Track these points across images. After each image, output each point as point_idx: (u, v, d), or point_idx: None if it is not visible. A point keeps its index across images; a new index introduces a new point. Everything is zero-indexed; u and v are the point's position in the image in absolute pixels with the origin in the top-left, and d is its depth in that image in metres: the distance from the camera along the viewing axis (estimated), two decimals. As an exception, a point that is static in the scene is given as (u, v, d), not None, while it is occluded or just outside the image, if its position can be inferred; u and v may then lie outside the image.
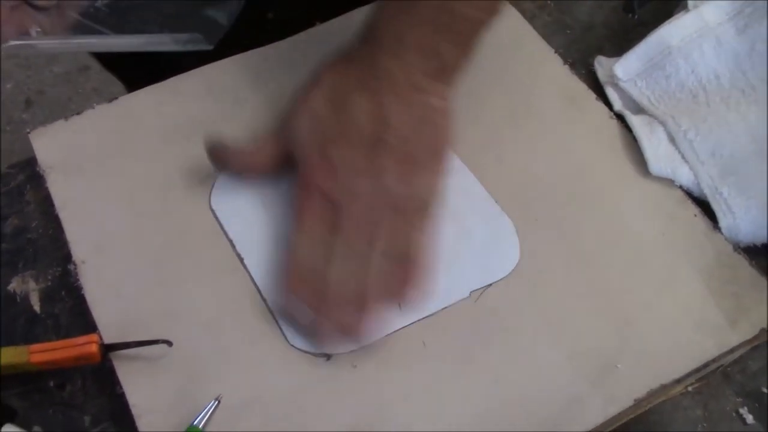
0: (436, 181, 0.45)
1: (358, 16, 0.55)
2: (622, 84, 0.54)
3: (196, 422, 0.40)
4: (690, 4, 0.55)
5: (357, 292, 0.42)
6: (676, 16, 0.55)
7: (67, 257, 0.47)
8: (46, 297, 0.47)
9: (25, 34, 0.42)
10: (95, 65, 1.85)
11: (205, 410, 0.40)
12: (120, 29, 0.43)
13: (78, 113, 0.53)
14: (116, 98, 0.54)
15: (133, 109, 0.53)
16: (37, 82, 1.88)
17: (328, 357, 0.42)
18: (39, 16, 0.42)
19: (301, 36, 0.57)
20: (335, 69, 0.46)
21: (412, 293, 0.42)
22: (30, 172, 0.52)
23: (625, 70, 0.54)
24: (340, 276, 0.42)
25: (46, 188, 0.50)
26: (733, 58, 0.54)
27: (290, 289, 0.43)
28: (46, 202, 0.50)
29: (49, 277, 0.48)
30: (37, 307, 0.47)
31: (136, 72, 0.54)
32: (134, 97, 0.53)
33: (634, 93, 0.53)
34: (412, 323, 0.43)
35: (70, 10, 0.43)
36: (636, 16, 0.58)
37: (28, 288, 0.47)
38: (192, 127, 0.51)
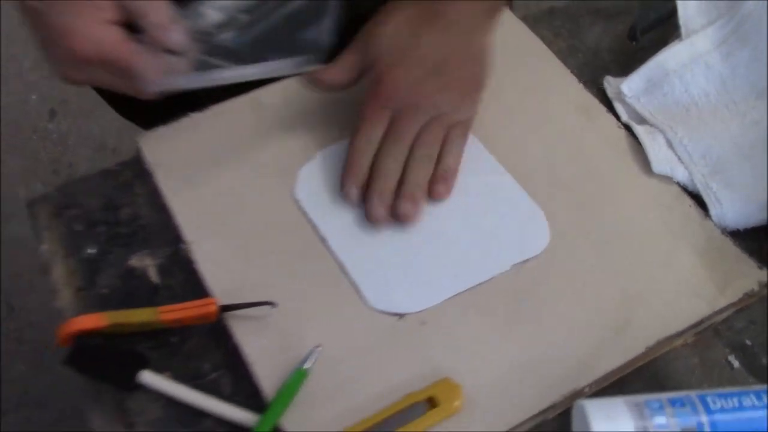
0: (476, 106, 0.59)
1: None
2: (627, 99, 0.64)
3: (304, 366, 0.50)
4: (683, 34, 0.67)
5: (403, 182, 0.56)
6: (672, 44, 0.66)
7: (177, 239, 0.58)
8: (161, 271, 0.57)
9: (163, 75, 0.51)
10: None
11: (310, 355, 0.50)
12: (240, 61, 0.54)
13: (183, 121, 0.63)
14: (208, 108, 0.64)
15: (223, 116, 0.63)
16: (61, 93, 1.97)
17: (401, 316, 0.53)
18: (172, 59, 0.52)
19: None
20: (405, 7, 0.58)
21: (443, 189, 0.57)
22: (137, 170, 0.62)
23: (630, 88, 0.65)
24: (387, 167, 0.56)
25: (153, 183, 0.60)
26: (719, 79, 0.65)
27: (346, 178, 0.57)
28: (154, 195, 0.60)
29: (162, 255, 0.58)
30: (155, 279, 0.57)
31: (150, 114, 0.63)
32: (223, 106, 0.64)
33: (638, 107, 0.64)
34: (467, 290, 0.54)
35: (194, 50, 0.53)
36: (637, 43, 0.69)
37: (146, 264, 0.58)
38: (271, 132, 0.61)
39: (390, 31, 0.58)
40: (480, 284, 0.54)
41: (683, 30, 0.67)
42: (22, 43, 2.04)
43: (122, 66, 0.50)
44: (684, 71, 0.65)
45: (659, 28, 0.69)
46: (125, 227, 0.60)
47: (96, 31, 0.49)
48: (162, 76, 0.51)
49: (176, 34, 0.51)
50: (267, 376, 0.50)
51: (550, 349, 0.51)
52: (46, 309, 1.44)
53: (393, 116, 0.57)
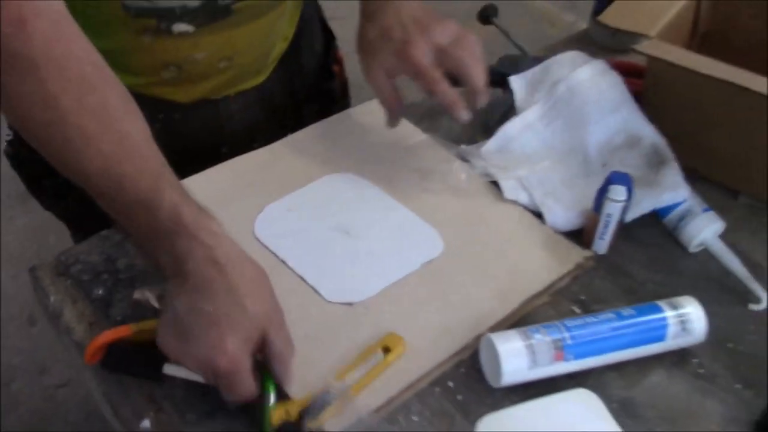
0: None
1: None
2: (485, 157, 0.90)
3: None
4: (518, 111, 0.95)
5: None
6: (511, 120, 0.94)
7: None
8: (160, 298, 0.74)
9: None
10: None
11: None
12: None
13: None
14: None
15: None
16: None
17: (351, 304, 0.73)
18: None
19: (282, 142, 0.91)
20: (369, 29, 0.83)
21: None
22: (125, 234, 0.79)
23: (486, 150, 0.91)
24: (474, 73, 0.80)
25: (140, 240, 0.78)
26: (543, 140, 0.93)
27: (457, 109, 0.81)
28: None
29: (159, 287, 0.75)
30: (157, 305, 0.73)
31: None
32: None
33: (494, 161, 0.90)
34: (393, 283, 0.75)
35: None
36: (489, 134, 0.94)
37: (147, 296, 0.74)
38: (227, 201, 0.82)
39: (377, 40, 0.82)
40: (401, 279, 0.76)
41: (518, 109, 0.95)
42: None
43: (234, 381, 0.61)
44: (520, 136, 0.92)
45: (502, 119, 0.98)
46: (125, 273, 0.76)
47: (237, 350, 0.60)
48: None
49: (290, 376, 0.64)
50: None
51: (457, 314, 0.74)
52: None
53: (437, 61, 0.80)
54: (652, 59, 0.86)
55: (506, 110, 0.98)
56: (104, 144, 0.62)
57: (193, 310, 0.61)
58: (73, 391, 1.65)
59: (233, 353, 0.60)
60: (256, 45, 0.91)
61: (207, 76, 0.88)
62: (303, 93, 1.02)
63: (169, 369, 0.67)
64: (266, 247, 0.78)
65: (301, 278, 0.75)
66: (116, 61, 0.74)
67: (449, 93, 0.81)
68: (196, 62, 0.86)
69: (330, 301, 0.73)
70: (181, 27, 0.80)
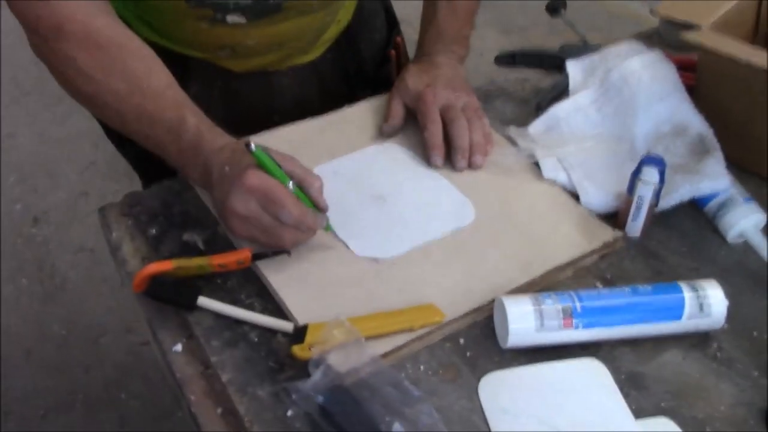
0: (476, 99, 0.94)
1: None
2: (532, 136, 0.93)
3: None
4: (570, 94, 0.97)
5: (471, 143, 0.89)
6: (561, 101, 0.96)
7: (216, 223, 0.82)
8: (206, 243, 0.81)
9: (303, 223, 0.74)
10: (93, 191, 2.19)
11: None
12: None
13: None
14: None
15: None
16: (43, 205, 2.19)
17: (377, 260, 0.78)
18: (317, 215, 0.77)
19: (333, 114, 0.96)
20: (414, 65, 0.97)
21: (488, 145, 0.91)
22: (184, 184, 0.87)
23: (534, 129, 0.94)
24: (462, 134, 0.89)
25: (196, 191, 0.85)
26: (593, 124, 0.94)
27: (433, 151, 0.89)
28: (197, 198, 0.85)
29: (206, 233, 0.82)
30: (202, 247, 0.80)
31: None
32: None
33: (540, 140, 0.93)
34: (423, 244, 0.79)
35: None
36: (541, 112, 0.97)
37: (195, 238, 0.81)
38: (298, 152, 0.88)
39: (413, 76, 0.95)
40: (429, 242, 0.80)
41: (570, 93, 0.97)
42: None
43: (277, 198, 0.71)
44: (569, 118, 0.94)
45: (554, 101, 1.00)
46: (179, 217, 0.84)
47: (261, 173, 0.72)
48: (299, 218, 0.72)
49: (325, 202, 0.77)
50: (287, 295, 0.74)
51: (478, 279, 0.76)
52: (32, 387, 1.65)
53: (441, 113, 0.90)
54: (703, 49, 0.86)
55: (559, 93, 1.00)
56: (134, 98, 0.78)
57: (223, 179, 0.74)
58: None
59: (257, 175, 0.71)
60: (307, 34, 0.99)
61: (259, 53, 0.96)
62: (358, 78, 1.08)
63: (202, 301, 0.73)
64: (307, 204, 0.83)
65: (335, 234, 0.80)
66: (180, 40, 0.95)
67: (436, 136, 0.89)
68: (247, 46, 0.94)
69: (358, 256, 0.78)
70: (234, 18, 0.89)
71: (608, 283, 0.79)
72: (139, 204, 0.85)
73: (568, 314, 0.70)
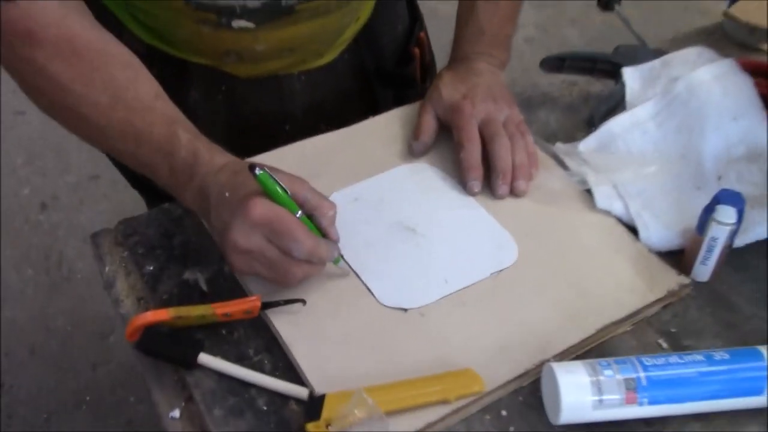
0: (519, 112, 0.83)
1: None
2: (583, 155, 0.81)
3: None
4: (627, 107, 0.85)
5: (514, 166, 0.78)
6: (619, 114, 0.84)
7: (221, 259, 0.72)
8: (210, 282, 0.71)
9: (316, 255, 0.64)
10: (105, 174, 2.10)
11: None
12: None
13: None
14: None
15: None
16: (52, 189, 2.10)
17: (405, 310, 0.67)
18: (330, 245, 0.67)
19: (353, 128, 0.85)
20: (449, 71, 0.86)
21: (534, 168, 0.80)
22: (186, 210, 0.77)
23: (585, 147, 0.82)
24: (503, 156, 0.78)
25: (198, 217, 0.75)
26: (653, 142, 0.83)
27: (470, 174, 0.77)
28: (200, 227, 0.75)
29: (210, 271, 0.72)
30: (204, 288, 0.70)
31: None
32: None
33: (591, 161, 0.81)
34: (456, 291, 0.69)
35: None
36: (595, 128, 0.84)
37: (197, 276, 0.71)
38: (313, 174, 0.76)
39: (447, 85, 0.84)
40: (465, 287, 0.69)
41: (627, 104, 0.86)
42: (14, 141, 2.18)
43: (287, 231, 0.61)
44: (626, 135, 0.83)
45: (608, 114, 0.88)
46: (179, 250, 0.74)
47: (267, 202, 0.62)
48: (312, 251, 0.63)
49: (337, 233, 0.67)
50: (301, 354, 0.63)
51: (522, 334, 0.66)
52: (36, 386, 1.57)
53: (480, 128, 0.80)
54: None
55: (614, 105, 0.88)
56: (117, 111, 0.68)
57: (222, 206, 0.64)
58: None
59: (263, 204, 0.62)
60: (322, 37, 0.87)
61: (268, 59, 0.85)
62: (377, 76, 0.96)
63: (204, 358, 0.64)
64: (325, 238, 0.73)
65: (357, 275, 0.70)
66: (179, 43, 0.83)
67: (473, 156, 0.78)
68: (256, 52, 0.83)
69: (383, 305, 0.68)
70: (241, 23, 0.77)
71: (673, 340, 0.68)
72: (135, 233, 0.75)
73: (632, 387, 0.60)
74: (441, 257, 0.72)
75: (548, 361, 0.64)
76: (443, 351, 0.64)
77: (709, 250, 0.70)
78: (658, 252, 0.74)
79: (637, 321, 0.69)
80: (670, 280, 0.71)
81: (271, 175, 0.63)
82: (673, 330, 0.69)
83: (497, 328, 0.66)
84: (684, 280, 0.71)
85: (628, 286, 0.70)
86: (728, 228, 0.68)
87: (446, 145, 0.82)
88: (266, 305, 0.66)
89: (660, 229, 0.75)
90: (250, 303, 0.66)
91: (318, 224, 0.66)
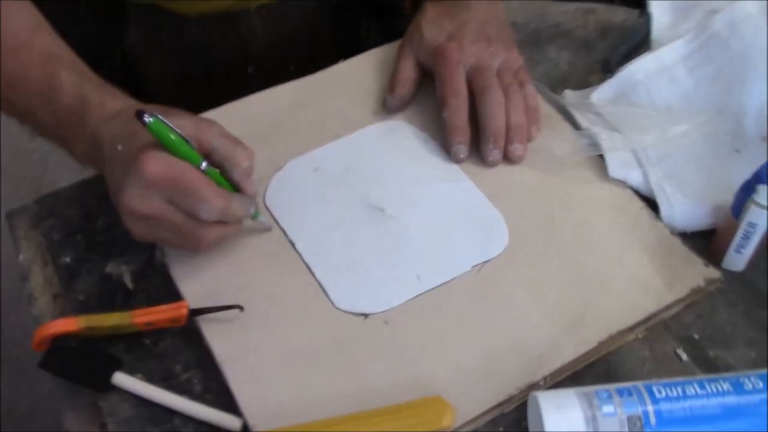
0: (519, 56, 0.68)
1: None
2: (597, 108, 0.66)
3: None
4: (653, 46, 0.69)
5: (509, 126, 0.63)
6: (641, 56, 0.69)
7: (152, 245, 0.60)
8: (137, 277, 0.59)
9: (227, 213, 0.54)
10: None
11: None
12: None
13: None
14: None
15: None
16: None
17: (366, 316, 0.55)
18: (243, 200, 0.56)
19: (320, 75, 0.71)
20: (431, 7, 0.70)
21: (534, 130, 0.65)
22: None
23: (599, 96, 0.68)
24: (495, 112, 0.63)
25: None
26: (682, 92, 0.68)
27: (455, 136, 0.63)
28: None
29: (138, 261, 0.60)
30: (130, 285, 0.59)
31: None
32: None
33: (606, 114, 0.66)
34: (429, 290, 0.56)
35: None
36: (611, 75, 0.69)
37: (122, 270, 0.60)
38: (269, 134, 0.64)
39: (430, 22, 0.68)
40: (442, 285, 0.57)
41: (654, 43, 0.70)
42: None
43: (191, 190, 0.51)
44: (651, 82, 0.68)
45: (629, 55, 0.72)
46: (102, 236, 0.62)
47: (164, 156, 0.51)
48: (224, 211, 0.53)
49: (254, 186, 0.56)
50: (235, 375, 0.52)
51: (508, 345, 0.54)
52: (29, 325, 1.43)
53: (469, 78, 0.65)
54: None
55: (637, 43, 0.73)
56: None
57: (115, 162, 0.54)
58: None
59: (158, 159, 0.51)
60: None
61: None
62: (356, 6, 0.80)
63: (119, 379, 0.53)
64: (275, 220, 0.60)
65: (309, 270, 0.57)
66: None
67: (458, 115, 0.64)
68: None
69: (340, 309, 0.56)
70: None
71: (695, 349, 0.55)
72: (52, 214, 0.63)
73: (637, 426, 0.48)
74: (414, 245, 0.59)
75: (537, 383, 0.52)
76: (410, 371, 0.53)
77: (746, 237, 0.56)
78: (682, 233, 0.60)
79: (651, 326, 0.56)
80: (695, 273, 0.57)
81: (164, 122, 0.51)
82: (695, 336, 0.56)
83: (477, 340, 0.54)
84: (713, 273, 0.57)
85: (643, 282, 0.57)
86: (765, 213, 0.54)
87: (429, 98, 0.68)
88: (196, 312, 0.55)
89: (686, 205, 0.61)
90: (176, 311, 0.54)
91: (229, 177, 0.55)
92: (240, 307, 0.54)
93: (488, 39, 0.67)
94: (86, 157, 0.58)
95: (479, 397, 0.51)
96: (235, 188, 0.56)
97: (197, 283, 0.57)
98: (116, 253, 0.60)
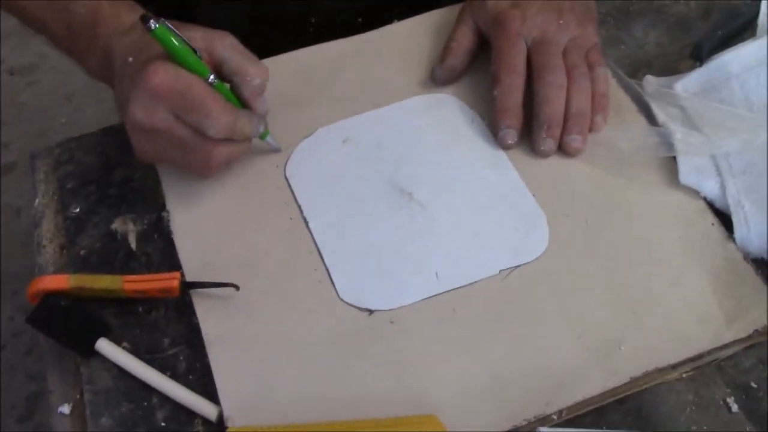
0: (596, 34, 0.59)
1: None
2: (680, 100, 0.57)
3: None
4: (759, 33, 0.59)
5: (567, 112, 0.56)
6: (741, 44, 0.59)
7: (163, 206, 0.56)
8: (141, 238, 0.56)
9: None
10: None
11: None
12: None
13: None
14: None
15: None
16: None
17: (371, 312, 0.50)
18: (252, 118, 0.53)
19: (369, 35, 0.64)
20: None
21: (600, 120, 0.57)
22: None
23: (684, 87, 0.58)
24: (553, 95, 0.55)
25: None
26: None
27: (502, 118, 0.56)
28: (149, 158, 0.59)
29: (146, 221, 0.56)
30: (133, 245, 0.55)
31: None
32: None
33: (688, 108, 0.57)
34: (446, 291, 0.50)
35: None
36: (701, 64, 0.60)
37: (128, 228, 0.56)
38: (275, 106, 0.58)
39: None
40: (462, 287, 0.50)
41: (760, 29, 0.60)
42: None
43: (196, 102, 0.49)
44: (748, 77, 0.58)
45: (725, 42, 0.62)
46: (116, 188, 0.58)
47: (172, 68, 0.49)
48: (231, 127, 0.50)
49: (264, 105, 0.53)
50: (220, 360, 0.48)
51: (523, 368, 0.47)
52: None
53: (530, 53, 0.57)
54: None
55: (740, 27, 0.62)
56: None
57: (124, 74, 0.52)
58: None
59: (164, 69, 0.49)
60: None
61: None
62: None
63: (103, 346, 0.50)
64: (292, 194, 0.55)
65: (319, 253, 0.52)
66: None
67: (510, 94, 0.56)
68: None
69: (344, 301, 0.50)
70: None
71: (749, 400, 0.47)
72: (71, 160, 0.61)
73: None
74: (438, 238, 0.52)
75: (548, 418, 0.45)
76: (407, 381, 0.47)
77: None
78: (758, 260, 0.51)
79: (700, 365, 0.48)
80: (764, 310, 0.48)
81: (171, 29, 0.49)
82: (753, 384, 0.48)
83: (489, 357, 0.47)
84: (786, 313, 0.48)
85: (698, 313, 0.49)
86: None
87: (486, 72, 0.60)
88: (190, 285, 0.51)
89: (766, 227, 0.51)
90: (167, 281, 0.50)
91: (239, 93, 0.53)
92: (235, 286, 0.50)
93: (559, 10, 0.58)
94: (98, 71, 0.56)
95: (479, 424, 0.45)
96: (245, 105, 0.53)
97: (198, 254, 0.53)
98: (126, 209, 0.57)
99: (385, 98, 0.60)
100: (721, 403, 0.47)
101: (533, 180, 0.55)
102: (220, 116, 0.50)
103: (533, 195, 0.54)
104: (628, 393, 0.47)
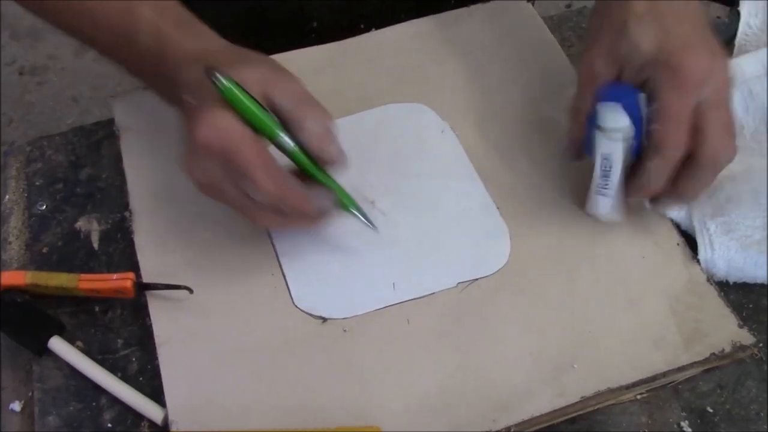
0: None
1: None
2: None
3: None
4: (736, 51, 0.58)
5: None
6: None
7: (127, 206, 0.56)
8: (104, 237, 0.56)
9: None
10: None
11: None
12: None
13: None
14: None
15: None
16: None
17: (324, 320, 0.49)
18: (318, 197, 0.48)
19: (348, 42, 0.64)
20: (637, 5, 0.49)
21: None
22: (108, 131, 0.61)
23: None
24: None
25: (119, 146, 0.59)
26: (761, 111, 0.57)
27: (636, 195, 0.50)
28: (117, 158, 0.59)
29: (110, 221, 0.56)
30: (96, 245, 0.55)
31: None
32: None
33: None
34: (402, 302, 0.49)
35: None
36: None
37: (91, 228, 0.56)
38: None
39: (641, 22, 0.49)
40: (418, 298, 0.50)
41: (736, 48, 0.59)
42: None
43: (238, 162, 0.45)
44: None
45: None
46: (83, 187, 0.59)
47: (224, 121, 0.45)
48: (278, 199, 0.46)
49: (334, 147, 0.48)
50: (169, 362, 0.48)
51: (472, 383, 0.46)
52: None
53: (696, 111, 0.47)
54: None
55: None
56: None
57: (183, 114, 0.49)
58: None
59: (214, 122, 0.45)
60: None
61: None
62: None
63: (55, 344, 0.50)
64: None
65: (278, 259, 0.52)
66: None
67: (661, 180, 0.48)
68: None
69: (298, 308, 0.50)
70: None
71: (705, 424, 0.46)
72: (41, 157, 0.61)
73: None
74: (398, 248, 0.52)
75: (500, 434, 0.44)
76: (356, 391, 0.46)
77: (605, 175, 0.49)
78: (722, 283, 0.50)
79: (656, 387, 0.47)
80: (724, 333, 0.47)
81: (239, 84, 0.45)
82: (709, 409, 0.47)
83: (439, 370, 0.47)
84: (747, 337, 0.47)
85: (655, 334, 0.48)
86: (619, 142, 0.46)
87: (460, 78, 0.60)
88: (144, 286, 0.50)
89: (732, 251, 0.50)
90: (121, 282, 0.50)
91: (301, 145, 0.48)
92: (189, 289, 0.50)
93: (712, 52, 0.48)
94: (170, 99, 0.52)
95: (427, 436, 0.44)
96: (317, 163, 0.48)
97: (156, 256, 0.52)
98: (91, 208, 0.57)
99: (358, 105, 0.60)
100: (675, 426, 0.46)
101: (499, 193, 0.54)
102: (262, 183, 0.45)
103: (498, 208, 0.54)
104: (580, 413, 0.46)
